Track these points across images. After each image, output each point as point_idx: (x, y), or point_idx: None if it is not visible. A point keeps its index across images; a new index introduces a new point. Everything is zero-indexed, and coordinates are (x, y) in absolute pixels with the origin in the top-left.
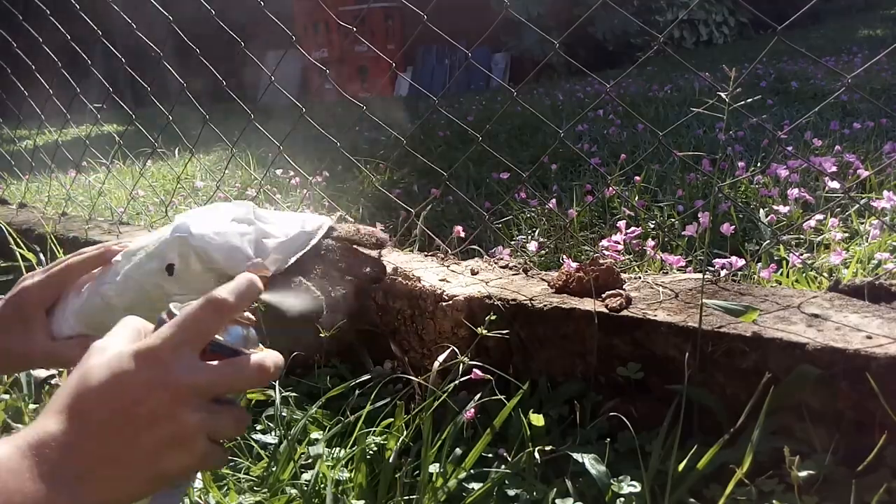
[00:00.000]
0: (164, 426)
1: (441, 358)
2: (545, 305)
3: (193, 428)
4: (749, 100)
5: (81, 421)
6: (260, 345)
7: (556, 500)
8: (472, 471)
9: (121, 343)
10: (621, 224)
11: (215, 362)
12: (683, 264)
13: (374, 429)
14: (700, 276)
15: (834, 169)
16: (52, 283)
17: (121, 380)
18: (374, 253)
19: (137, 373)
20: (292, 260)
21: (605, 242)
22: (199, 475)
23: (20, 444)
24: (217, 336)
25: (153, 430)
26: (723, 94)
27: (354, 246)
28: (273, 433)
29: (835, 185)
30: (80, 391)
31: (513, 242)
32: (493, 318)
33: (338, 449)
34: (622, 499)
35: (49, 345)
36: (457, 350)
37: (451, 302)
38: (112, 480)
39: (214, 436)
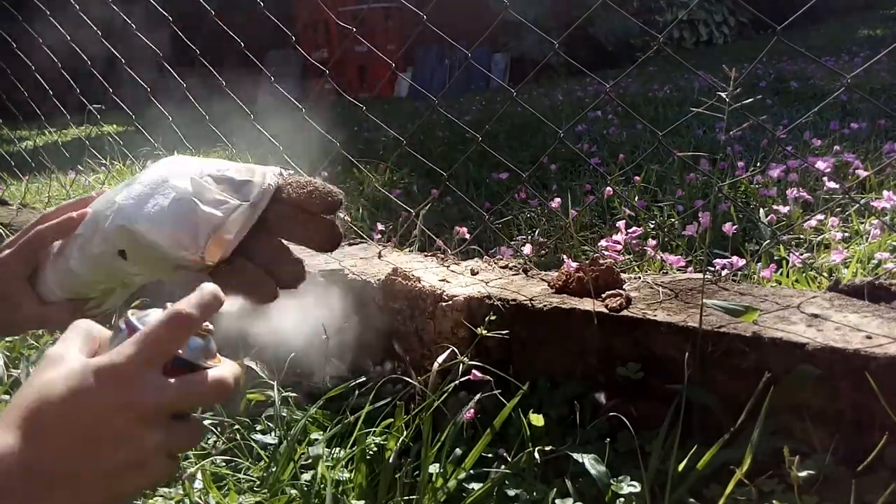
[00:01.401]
0: (126, 448)
1: (441, 358)
2: (545, 305)
3: (153, 449)
4: (749, 100)
5: (38, 439)
6: (218, 355)
7: (556, 500)
8: (472, 471)
9: (75, 352)
10: (621, 224)
11: (175, 379)
12: (683, 264)
13: (374, 429)
14: (700, 275)
15: (828, 168)
16: (25, 253)
17: (82, 398)
18: (328, 217)
19: (100, 392)
20: (238, 239)
21: (604, 242)
22: (199, 475)
23: None
24: (178, 351)
25: (115, 452)
26: (722, 94)
27: (304, 210)
28: (273, 433)
29: (833, 184)
30: (36, 406)
31: (513, 243)
32: (493, 318)
33: (338, 449)
34: (622, 499)
35: (38, 310)
36: (456, 350)
37: (450, 302)
38: (70, 499)
39: (172, 452)
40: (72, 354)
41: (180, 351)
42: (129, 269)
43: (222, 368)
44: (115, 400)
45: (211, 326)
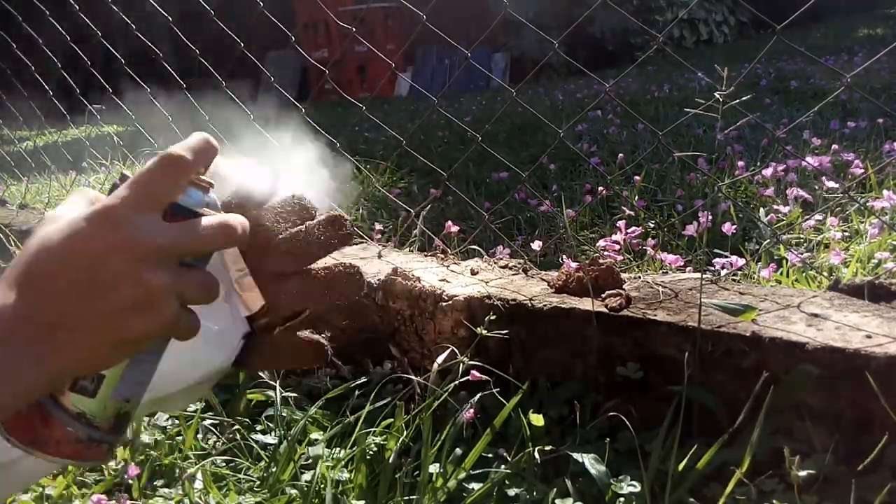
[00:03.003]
0: (127, 287)
1: (441, 358)
2: (545, 305)
3: (158, 288)
4: (745, 97)
5: (37, 288)
6: (221, 211)
7: (556, 500)
8: (472, 471)
9: (75, 209)
10: (621, 224)
11: (174, 222)
12: (682, 264)
13: (374, 429)
14: (700, 275)
15: (821, 165)
16: None
17: (78, 242)
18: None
19: (96, 233)
20: None
21: (603, 242)
22: (199, 476)
23: None
24: (177, 199)
25: (116, 292)
26: (718, 94)
27: None
28: (273, 434)
29: (832, 183)
30: (34, 259)
31: (512, 243)
32: (493, 318)
33: (338, 449)
34: (622, 499)
35: None
36: (456, 350)
37: (450, 302)
38: (73, 346)
39: (182, 299)
40: (70, 211)
41: (180, 199)
42: None
43: (226, 214)
44: (111, 240)
45: (212, 181)
